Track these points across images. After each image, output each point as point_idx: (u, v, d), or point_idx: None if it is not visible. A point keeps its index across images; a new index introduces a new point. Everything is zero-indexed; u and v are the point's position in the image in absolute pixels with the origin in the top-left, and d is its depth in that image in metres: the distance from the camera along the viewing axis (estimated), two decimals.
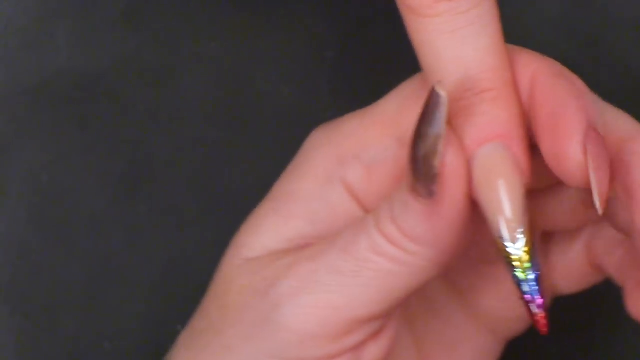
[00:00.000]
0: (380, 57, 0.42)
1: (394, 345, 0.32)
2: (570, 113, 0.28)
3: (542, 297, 0.29)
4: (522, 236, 0.28)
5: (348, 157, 0.32)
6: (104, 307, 0.42)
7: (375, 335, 0.31)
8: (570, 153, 0.28)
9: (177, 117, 0.42)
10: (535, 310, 0.29)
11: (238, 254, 0.33)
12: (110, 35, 0.43)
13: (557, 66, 0.30)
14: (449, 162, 0.28)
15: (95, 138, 0.42)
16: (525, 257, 0.28)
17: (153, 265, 0.42)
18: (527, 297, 0.29)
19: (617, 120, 0.30)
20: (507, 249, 0.28)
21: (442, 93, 0.27)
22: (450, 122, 0.29)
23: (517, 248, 0.28)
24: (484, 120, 0.29)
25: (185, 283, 0.42)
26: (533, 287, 0.29)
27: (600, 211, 0.28)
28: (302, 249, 0.32)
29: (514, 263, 0.28)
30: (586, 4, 0.41)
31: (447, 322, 0.35)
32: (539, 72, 0.29)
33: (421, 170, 0.28)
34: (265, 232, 0.33)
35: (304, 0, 0.42)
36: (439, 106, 0.27)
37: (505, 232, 0.28)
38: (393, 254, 0.29)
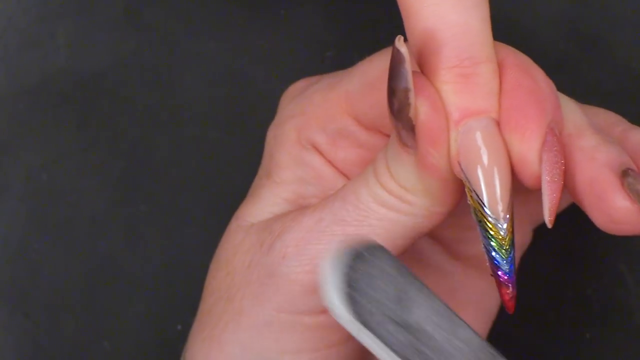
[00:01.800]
0: None
1: None
2: (531, 115, 0.29)
3: (515, 277, 0.29)
4: (508, 216, 0.28)
5: (316, 127, 0.33)
6: (104, 307, 0.42)
7: None
8: (527, 160, 0.28)
9: (177, 117, 0.42)
10: (508, 289, 0.29)
11: (243, 222, 0.33)
12: (110, 35, 0.43)
13: (521, 57, 0.30)
14: (422, 112, 0.28)
15: (95, 138, 0.42)
16: (509, 236, 0.29)
17: (153, 265, 0.42)
18: (503, 277, 0.29)
19: (569, 114, 0.30)
20: (496, 228, 0.29)
21: (402, 49, 0.28)
22: (440, 86, 0.29)
23: (503, 228, 0.29)
24: (480, 92, 0.29)
25: (185, 283, 0.42)
26: (510, 267, 0.29)
27: (549, 225, 0.29)
28: (307, 206, 0.32)
29: (499, 242, 0.29)
30: (586, 3, 0.41)
31: (439, 272, 0.36)
32: (505, 61, 0.29)
33: (400, 123, 0.28)
34: (265, 197, 0.33)
35: (304, 0, 0.42)
36: (402, 62, 0.28)
37: (496, 211, 0.28)
38: (392, 204, 0.30)
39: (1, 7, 0.43)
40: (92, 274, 0.42)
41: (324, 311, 0.31)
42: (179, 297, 0.42)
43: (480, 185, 0.28)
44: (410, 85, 0.28)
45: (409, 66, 0.27)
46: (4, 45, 0.43)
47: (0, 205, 0.42)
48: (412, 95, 0.28)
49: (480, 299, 0.37)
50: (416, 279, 0.27)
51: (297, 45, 0.42)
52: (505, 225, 0.29)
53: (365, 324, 0.26)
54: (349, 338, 0.31)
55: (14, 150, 0.43)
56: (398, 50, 0.27)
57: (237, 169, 0.42)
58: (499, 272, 0.29)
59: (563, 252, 0.40)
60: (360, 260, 0.27)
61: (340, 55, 0.42)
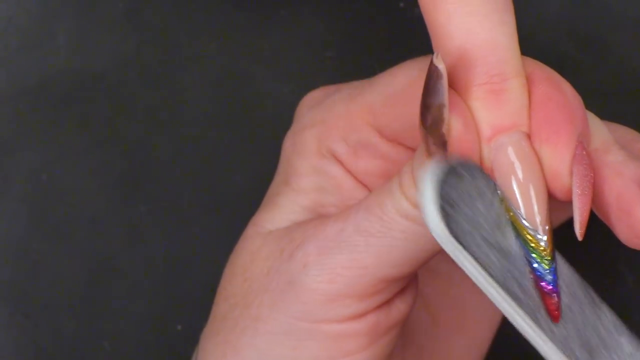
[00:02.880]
0: (380, 57, 0.42)
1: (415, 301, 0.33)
2: (561, 128, 0.29)
3: (558, 287, 0.29)
4: (547, 227, 0.29)
5: (337, 136, 0.33)
6: (104, 307, 0.42)
7: (401, 291, 0.32)
8: (558, 173, 0.28)
9: (177, 117, 0.42)
10: (553, 299, 0.29)
11: (260, 229, 0.33)
12: (110, 35, 0.43)
13: (550, 71, 0.30)
14: (456, 128, 0.28)
15: (95, 138, 0.42)
16: (550, 247, 0.29)
17: (153, 265, 0.42)
18: (547, 287, 0.29)
19: (594, 130, 0.30)
20: (536, 240, 0.29)
21: (441, 66, 0.28)
22: (470, 103, 0.29)
23: (544, 240, 0.29)
24: (511, 107, 0.29)
25: (185, 283, 0.42)
26: (553, 277, 0.29)
27: (580, 238, 0.29)
28: (326, 214, 0.32)
29: (539, 254, 0.29)
30: (586, 3, 0.41)
31: (448, 280, 0.36)
32: (534, 75, 0.30)
33: (432, 138, 0.28)
34: (283, 205, 0.33)
35: (304, 0, 0.42)
36: (440, 79, 0.28)
37: (535, 224, 0.29)
38: (417, 216, 0.30)
39: (1, 7, 0.43)
40: (92, 274, 0.42)
41: (343, 320, 0.31)
42: (179, 297, 0.42)
43: (517, 200, 0.29)
44: (446, 101, 0.28)
45: (446, 83, 0.28)
46: (4, 45, 0.43)
47: (0, 205, 0.42)
48: (446, 111, 0.28)
49: (486, 307, 0.37)
50: None
51: (297, 45, 0.42)
52: (545, 237, 0.29)
53: (462, 243, 0.26)
54: (366, 346, 0.31)
55: (14, 150, 0.43)
56: (436, 67, 0.28)
57: (237, 168, 0.42)
58: (542, 283, 0.29)
59: (563, 253, 0.40)
60: (457, 178, 0.26)
61: (340, 56, 0.42)
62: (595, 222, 0.33)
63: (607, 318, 0.29)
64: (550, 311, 0.29)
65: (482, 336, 0.37)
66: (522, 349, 0.36)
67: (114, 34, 0.43)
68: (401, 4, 0.41)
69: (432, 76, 0.28)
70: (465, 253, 0.26)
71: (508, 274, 0.27)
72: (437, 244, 0.30)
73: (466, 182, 0.26)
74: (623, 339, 0.29)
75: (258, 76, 0.42)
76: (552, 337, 0.27)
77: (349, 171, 0.33)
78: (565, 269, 0.28)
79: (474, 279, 0.26)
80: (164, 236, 0.42)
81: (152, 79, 0.43)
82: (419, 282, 0.35)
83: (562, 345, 0.27)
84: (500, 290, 0.26)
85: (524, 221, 0.29)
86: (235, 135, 0.42)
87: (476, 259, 0.26)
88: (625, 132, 0.33)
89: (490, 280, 0.26)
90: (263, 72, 0.42)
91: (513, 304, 0.27)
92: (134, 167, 0.42)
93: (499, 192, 0.27)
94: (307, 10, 0.42)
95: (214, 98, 0.42)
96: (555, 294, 0.29)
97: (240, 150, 0.42)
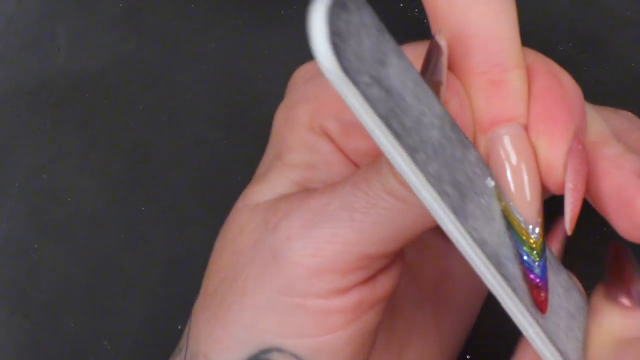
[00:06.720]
0: None
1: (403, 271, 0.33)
2: (559, 120, 0.29)
3: (547, 280, 0.29)
4: (539, 220, 0.29)
5: (329, 114, 0.33)
6: (104, 307, 0.42)
7: (386, 267, 0.32)
8: (552, 165, 0.28)
9: (177, 117, 0.42)
10: (541, 292, 0.29)
11: (249, 202, 0.33)
12: (110, 35, 0.43)
13: (551, 64, 0.30)
14: (451, 107, 0.28)
15: (95, 138, 0.42)
16: (540, 240, 0.29)
17: (153, 265, 0.42)
18: (535, 280, 0.29)
19: (592, 123, 0.30)
20: (527, 233, 0.29)
21: (442, 42, 0.27)
22: (469, 92, 0.29)
23: (535, 232, 0.29)
24: (510, 99, 0.29)
25: (185, 283, 0.42)
26: (542, 271, 0.29)
27: (569, 233, 0.29)
28: (313, 188, 0.32)
29: (530, 246, 0.29)
30: (586, 3, 0.41)
31: (436, 254, 0.37)
32: (534, 67, 0.30)
33: None
34: (273, 178, 0.33)
35: (305, 0, 0.42)
36: (440, 55, 0.28)
37: (526, 216, 0.29)
38: (403, 195, 0.30)
39: (1, 7, 0.43)
40: (92, 274, 0.42)
41: (326, 296, 0.31)
42: (179, 297, 0.42)
43: (510, 191, 0.29)
44: (444, 79, 0.28)
45: (445, 60, 0.28)
46: (4, 45, 0.43)
47: (0, 205, 0.42)
48: (444, 89, 0.28)
49: (472, 283, 0.37)
50: (398, 45, 0.26)
51: (297, 45, 0.42)
52: (537, 230, 0.29)
53: (351, 78, 0.25)
54: (351, 322, 0.31)
55: (14, 150, 0.43)
56: (438, 44, 0.28)
57: (237, 168, 0.42)
58: (531, 276, 0.29)
59: (563, 253, 0.40)
60: (346, 10, 0.25)
61: None
62: (596, 222, 0.33)
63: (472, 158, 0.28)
64: (538, 303, 0.29)
65: (470, 309, 0.37)
66: (504, 323, 0.36)
67: (114, 34, 0.43)
68: (401, 4, 0.41)
69: (433, 53, 0.28)
70: (353, 88, 0.25)
71: (386, 105, 0.26)
72: (423, 224, 0.30)
73: (354, 16, 0.25)
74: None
75: (258, 76, 0.42)
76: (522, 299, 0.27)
77: (339, 149, 0.33)
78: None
79: (354, 111, 0.25)
80: (163, 236, 0.42)
81: (152, 79, 0.43)
82: (407, 256, 0.35)
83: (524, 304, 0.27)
84: (383, 128, 0.26)
85: (516, 214, 0.29)
86: (235, 135, 0.42)
87: (361, 92, 0.25)
88: (620, 122, 0.33)
89: (375, 117, 0.25)
90: (263, 72, 0.42)
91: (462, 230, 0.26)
92: (134, 167, 0.42)
93: (386, 31, 0.26)
94: (307, 10, 0.42)
95: (214, 98, 0.42)
96: (543, 287, 0.29)
97: (240, 150, 0.42)
